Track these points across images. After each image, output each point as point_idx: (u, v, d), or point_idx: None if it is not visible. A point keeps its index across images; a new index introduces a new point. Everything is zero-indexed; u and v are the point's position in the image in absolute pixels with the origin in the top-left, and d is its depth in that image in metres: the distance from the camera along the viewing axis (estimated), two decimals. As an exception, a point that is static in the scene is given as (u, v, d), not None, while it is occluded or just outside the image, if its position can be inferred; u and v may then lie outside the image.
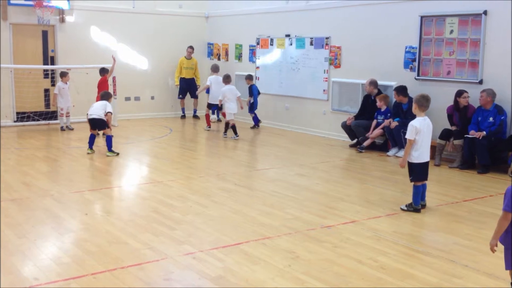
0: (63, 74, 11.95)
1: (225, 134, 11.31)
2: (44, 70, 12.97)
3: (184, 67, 14.12)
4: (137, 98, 14.33)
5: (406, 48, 10.02)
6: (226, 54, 14.57)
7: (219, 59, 14.79)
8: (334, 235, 5.36)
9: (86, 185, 7.33)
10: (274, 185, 7.43)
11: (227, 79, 11.58)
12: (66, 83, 11.94)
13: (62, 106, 11.96)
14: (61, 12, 12.97)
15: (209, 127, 12.44)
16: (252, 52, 13.67)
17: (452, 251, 5.01)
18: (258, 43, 13.42)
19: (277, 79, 12.95)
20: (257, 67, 13.50)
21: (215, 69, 12.95)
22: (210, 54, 15.14)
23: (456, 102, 8.89)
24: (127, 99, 14.08)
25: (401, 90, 9.62)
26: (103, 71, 11.71)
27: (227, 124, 11.35)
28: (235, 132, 11.17)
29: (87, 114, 9.56)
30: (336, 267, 4.56)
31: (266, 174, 8.27)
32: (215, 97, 12.00)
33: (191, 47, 14.18)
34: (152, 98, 14.55)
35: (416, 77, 9.82)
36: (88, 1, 13.29)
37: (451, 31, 9.29)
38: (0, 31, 12.26)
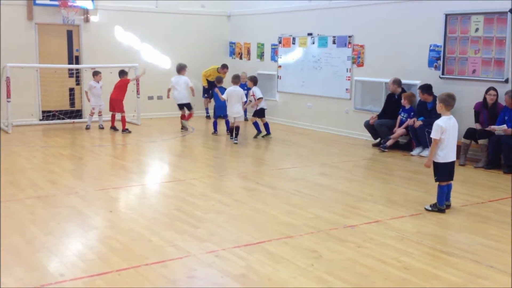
0: (95, 73, 12.10)
1: (234, 139, 10.48)
2: (69, 70, 13.13)
3: (212, 77, 13.91)
4: (160, 97, 14.41)
5: (430, 46, 9.91)
6: (248, 53, 14.59)
7: (241, 58, 14.81)
8: (357, 235, 5.33)
9: (110, 183, 7.41)
10: (296, 184, 7.42)
11: (235, 79, 10.61)
12: (98, 82, 12.09)
13: (93, 105, 12.11)
14: (85, 12, 13.12)
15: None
16: (274, 51, 13.65)
17: (477, 251, 4.94)
18: (280, 42, 13.41)
19: (299, 78, 12.92)
20: (279, 66, 13.49)
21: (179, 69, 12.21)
22: (232, 53, 15.17)
23: (485, 99, 8.78)
24: (150, 98, 14.18)
25: (426, 88, 9.52)
26: (123, 73, 11.85)
27: (231, 128, 10.68)
28: (236, 135, 10.45)
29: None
30: (359, 267, 4.53)
31: (288, 173, 8.26)
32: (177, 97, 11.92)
33: (227, 67, 13.83)
34: (175, 97, 14.61)
35: (441, 76, 9.71)
36: (112, 1, 13.43)
37: (477, 29, 9.17)
38: (1, 31, 12.47)
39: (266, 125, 11.17)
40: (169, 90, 12.02)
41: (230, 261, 4.61)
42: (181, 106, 12.04)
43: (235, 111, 10.37)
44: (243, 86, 11.61)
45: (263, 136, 11.13)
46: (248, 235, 5.29)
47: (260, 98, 11.11)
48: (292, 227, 5.56)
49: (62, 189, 6.98)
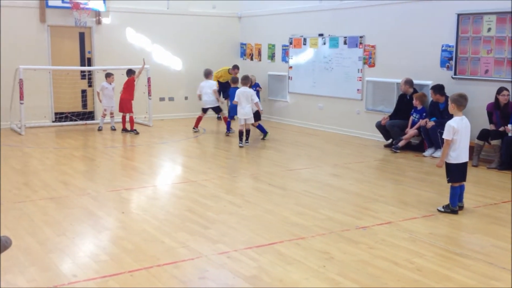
0: (108, 75, 12.17)
1: (245, 141, 10.33)
2: (81, 71, 13.23)
3: (223, 78, 13.88)
4: (171, 99, 14.49)
5: (442, 46, 9.86)
6: (259, 54, 14.59)
7: (252, 59, 14.82)
8: (369, 236, 5.32)
9: (122, 184, 7.45)
10: (307, 185, 7.41)
11: (244, 80, 10.43)
12: (110, 83, 12.15)
13: (105, 106, 12.19)
14: (97, 14, 13.21)
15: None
16: (285, 52, 13.65)
17: (490, 253, 4.91)
18: (291, 43, 13.40)
19: (310, 79, 12.90)
20: (290, 67, 13.48)
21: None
22: (243, 54, 15.19)
23: (496, 100, 8.71)
24: (162, 99, 14.25)
25: (438, 89, 9.46)
26: (130, 72, 11.94)
27: (240, 132, 10.30)
28: (247, 138, 10.38)
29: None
30: (371, 268, 4.51)
31: (299, 174, 8.25)
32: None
33: (238, 67, 13.74)
34: (186, 98, 14.68)
35: (453, 76, 9.65)
36: (123, 2, 13.51)
37: (489, 29, 9.10)
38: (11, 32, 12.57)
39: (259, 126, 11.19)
40: (200, 95, 12.00)
41: (242, 262, 4.61)
42: (205, 110, 12.05)
43: (244, 112, 10.20)
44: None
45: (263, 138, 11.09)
46: (260, 236, 5.29)
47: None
48: (303, 228, 5.55)
49: (74, 190, 7.03)
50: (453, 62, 9.66)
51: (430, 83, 9.93)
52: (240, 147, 10.23)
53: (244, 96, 10.21)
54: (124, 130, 11.85)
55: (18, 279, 4.24)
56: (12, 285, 4.14)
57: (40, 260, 4.64)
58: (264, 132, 11.15)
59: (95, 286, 4.14)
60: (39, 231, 5.38)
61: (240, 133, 10.34)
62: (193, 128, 12.15)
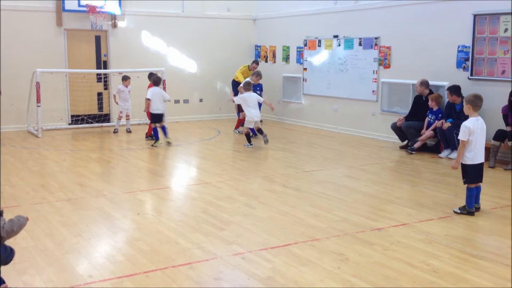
0: (125, 78, 12.22)
1: (249, 143, 10.47)
2: (97, 74, 13.35)
3: (244, 76, 13.85)
4: (186, 101, 14.55)
5: (458, 47, 9.78)
6: (274, 56, 14.60)
7: (266, 61, 14.83)
8: (385, 238, 5.29)
9: (137, 185, 7.49)
10: (322, 187, 7.39)
11: (247, 86, 10.48)
12: (127, 86, 12.22)
13: (121, 109, 12.26)
14: (113, 17, 13.32)
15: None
16: (300, 54, 13.64)
17: (507, 255, 4.85)
18: (305, 45, 13.39)
19: (325, 81, 12.87)
20: (305, 69, 13.47)
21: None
22: (257, 56, 15.21)
23: (510, 102, 8.62)
24: (177, 101, 14.30)
25: (455, 90, 9.39)
26: (151, 76, 11.90)
27: (247, 134, 10.57)
28: (264, 134, 10.38)
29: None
30: (387, 270, 4.49)
31: (314, 176, 8.24)
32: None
33: (257, 62, 13.64)
34: (201, 100, 14.75)
35: (469, 77, 9.57)
36: (139, 5, 13.60)
37: (506, 30, 9.01)
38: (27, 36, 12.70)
39: (163, 128, 10.74)
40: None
41: (256, 264, 4.62)
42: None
43: (256, 114, 10.34)
44: (255, 88, 11.25)
45: (168, 142, 10.65)
46: (274, 238, 5.29)
47: (147, 99, 10.50)
48: (318, 229, 5.54)
49: (90, 191, 7.09)
50: (469, 63, 9.59)
51: (446, 84, 9.85)
52: (248, 146, 10.41)
53: (250, 99, 10.33)
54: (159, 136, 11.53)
55: (35, 280, 4.29)
56: (29, 286, 4.18)
57: (56, 261, 4.68)
58: (156, 138, 10.56)
59: (111, 287, 4.18)
60: (55, 232, 5.44)
61: (247, 134, 10.56)
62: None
